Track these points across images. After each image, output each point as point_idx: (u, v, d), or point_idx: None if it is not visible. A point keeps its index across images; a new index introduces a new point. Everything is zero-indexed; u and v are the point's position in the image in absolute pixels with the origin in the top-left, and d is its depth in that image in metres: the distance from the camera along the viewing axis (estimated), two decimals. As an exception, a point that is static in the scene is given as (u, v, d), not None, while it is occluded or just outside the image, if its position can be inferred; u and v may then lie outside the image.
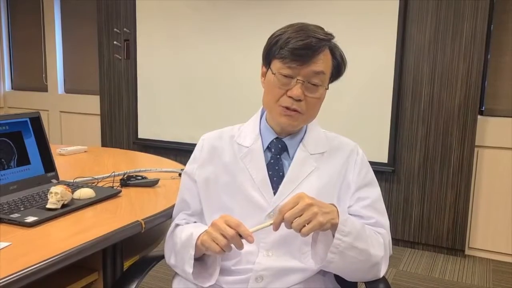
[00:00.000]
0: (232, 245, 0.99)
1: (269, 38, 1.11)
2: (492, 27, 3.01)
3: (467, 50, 2.93)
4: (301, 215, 0.95)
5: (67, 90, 4.71)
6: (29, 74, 4.91)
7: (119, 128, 4.17)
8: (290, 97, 1.07)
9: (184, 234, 1.13)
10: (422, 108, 3.09)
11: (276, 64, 1.08)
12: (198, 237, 1.07)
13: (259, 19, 3.39)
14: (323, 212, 0.97)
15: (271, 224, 1.00)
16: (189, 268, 1.09)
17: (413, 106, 3.11)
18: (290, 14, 3.25)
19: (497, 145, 3.04)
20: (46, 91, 4.76)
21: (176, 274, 1.24)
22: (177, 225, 1.21)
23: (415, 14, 3.03)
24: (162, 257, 1.26)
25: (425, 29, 3.01)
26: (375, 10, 3.06)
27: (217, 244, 0.99)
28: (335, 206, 1.02)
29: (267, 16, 3.35)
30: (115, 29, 4.00)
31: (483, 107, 3.09)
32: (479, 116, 3.01)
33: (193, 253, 1.08)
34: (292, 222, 0.96)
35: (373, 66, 3.08)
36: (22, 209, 1.26)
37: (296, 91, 1.06)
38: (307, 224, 0.95)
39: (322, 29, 1.09)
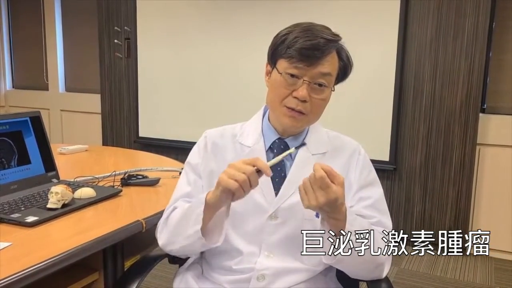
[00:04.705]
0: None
1: (275, 37, 1.10)
2: (493, 25, 2.99)
3: (468, 47, 2.91)
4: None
5: (68, 89, 4.71)
6: (30, 72, 4.91)
7: (120, 127, 4.17)
8: (295, 97, 1.06)
9: (187, 205, 1.10)
10: (423, 106, 3.08)
11: (282, 64, 1.07)
12: (206, 195, 1.03)
13: (260, 17, 3.38)
14: (338, 203, 0.94)
15: (288, 153, 1.02)
16: (196, 225, 1.03)
17: (415, 104, 3.10)
18: (291, 12, 3.23)
19: (499, 143, 3.03)
20: (47, 89, 4.75)
21: (177, 273, 1.23)
22: (175, 208, 1.16)
23: (417, 12, 3.01)
24: (163, 256, 1.25)
25: (427, 26, 3.00)
26: (376, 8, 3.04)
27: (235, 181, 0.94)
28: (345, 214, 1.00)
29: (268, 15, 3.34)
30: (115, 28, 3.99)
31: (485, 105, 3.08)
32: (480, 114, 3.00)
33: (202, 209, 1.02)
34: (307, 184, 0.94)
35: (375, 64, 3.07)
36: (22, 209, 1.25)
37: (302, 92, 1.05)
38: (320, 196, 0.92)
39: (329, 29, 1.07)
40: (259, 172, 0.95)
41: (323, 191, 0.92)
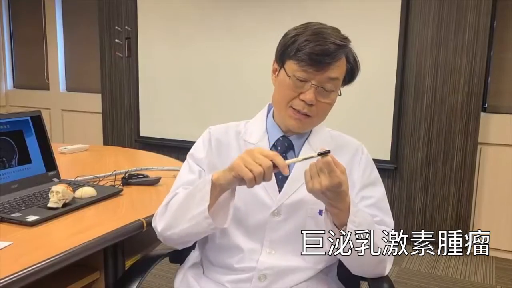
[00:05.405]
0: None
1: (284, 36, 1.10)
2: (495, 23, 2.99)
3: (470, 46, 2.91)
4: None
5: (69, 89, 4.71)
6: (30, 72, 4.91)
7: (121, 126, 4.17)
8: (302, 100, 1.06)
9: (192, 187, 1.07)
10: (424, 104, 3.07)
11: (291, 66, 1.07)
12: (213, 175, 1.01)
13: (261, 17, 3.37)
14: (341, 190, 0.94)
15: (309, 157, 0.96)
16: (203, 204, 0.99)
17: (416, 103, 3.09)
18: (292, 11, 3.23)
19: (500, 142, 3.02)
20: (48, 89, 4.76)
21: (178, 273, 1.23)
22: (176, 193, 1.13)
23: (418, 10, 3.01)
24: (164, 255, 1.25)
25: (428, 25, 3.00)
26: (378, 6, 3.04)
27: (250, 171, 0.93)
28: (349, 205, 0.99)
29: (268, 14, 3.33)
30: (116, 27, 3.99)
31: (486, 104, 3.07)
32: (482, 113, 2.99)
33: (209, 187, 0.99)
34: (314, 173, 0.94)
35: (376, 63, 3.06)
36: (23, 208, 1.25)
37: (310, 95, 1.05)
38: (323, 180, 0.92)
39: (339, 31, 1.07)
40: (275, 167, 0.94)
41: (327, 175, 0.92)
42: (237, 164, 0.95)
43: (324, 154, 0.93)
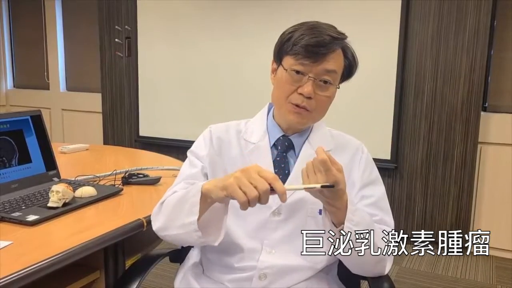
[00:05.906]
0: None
1: (281, 35, 1.11)
2: (495, 23, 2.99)
3: (470, 45, 2.91)
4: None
5: (69, 88, 4.71)
6: (31, 72, 4.91)
7: (121, 126, 4.17)
8: (300, 94, 1.06)
9: (185, 191, 1.04)
10: (425, 104, 3.07)
11: (288, 61, 1.07)
12: (203, 186, 0.97)
13: (260, 17, 3.37)
14: (338, 188, 0.92)
15: (312, 187, 0.92)
16: (192, 216, 0.96)
17: (416, 102, 3.09)
18: (292, 10, 3.23)
19: (500, 141, 3.02)
20: (48, 89, 4.76)
21: (178, 272, 1.23)
22: (175, 191, 1.11)
23: (418, 10, 3.01)
24: (164, 255, 1.25)
25: (428, 24, 3.00)
26: (378, 6, 3.04)
27: (244, 193, 0.87)
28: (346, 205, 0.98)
29: (268, 14, 3.33)
30: (116, 27, 3.99)
31: (486, 104, 3.07)
32: (482, 113, 2.99)
33: (198, 198, 0.96)
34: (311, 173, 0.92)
35: (376, 62, 3.06)
36: (23, 207, 1.25)
37: (307, 88, 1.05)
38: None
39: (334, 28, 1.08)
40: (272, 190, 0.89)
41: (324, 173, 0.91)
42: (231, 184, 0.89)
43: (327, 187, 0.90)
